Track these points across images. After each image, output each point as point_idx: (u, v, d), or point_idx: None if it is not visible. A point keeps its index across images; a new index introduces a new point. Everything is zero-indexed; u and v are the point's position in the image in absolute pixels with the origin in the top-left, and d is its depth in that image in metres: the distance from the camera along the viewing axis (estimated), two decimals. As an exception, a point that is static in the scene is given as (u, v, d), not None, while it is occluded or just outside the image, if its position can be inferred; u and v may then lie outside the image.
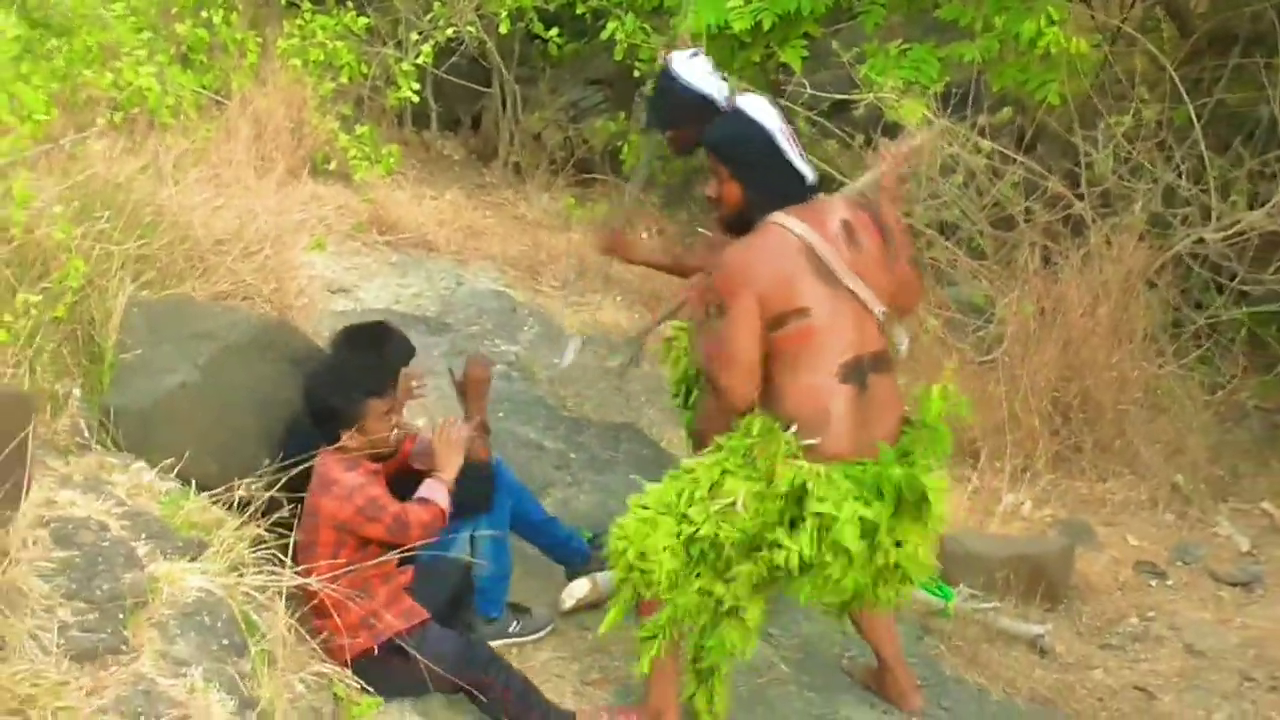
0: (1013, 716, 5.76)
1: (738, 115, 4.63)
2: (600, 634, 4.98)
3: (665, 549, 4.55)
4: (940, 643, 6.22)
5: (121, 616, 3.67)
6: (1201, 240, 8.14)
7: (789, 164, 4.54)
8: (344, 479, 4.75)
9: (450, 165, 11.67)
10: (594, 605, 5.79)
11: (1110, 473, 8.18)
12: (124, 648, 3.62)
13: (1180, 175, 8.26)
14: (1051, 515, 7.77)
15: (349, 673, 4.74)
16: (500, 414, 7.14)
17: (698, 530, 4.52)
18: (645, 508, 4.64)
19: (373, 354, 5.02)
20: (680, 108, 5.54)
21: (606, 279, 9.68)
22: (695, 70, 5.54)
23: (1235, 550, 7.79)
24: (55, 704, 3.33)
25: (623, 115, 11.62)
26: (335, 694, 4.70)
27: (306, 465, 4.83)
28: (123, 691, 3.49)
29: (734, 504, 4.49)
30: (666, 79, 5.61)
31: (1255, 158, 8.49)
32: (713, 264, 4.55)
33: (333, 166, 10.27)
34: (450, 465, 5.02)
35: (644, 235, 10.01)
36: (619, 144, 11.42)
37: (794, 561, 4.43)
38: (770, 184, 4.57)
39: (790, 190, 4.56)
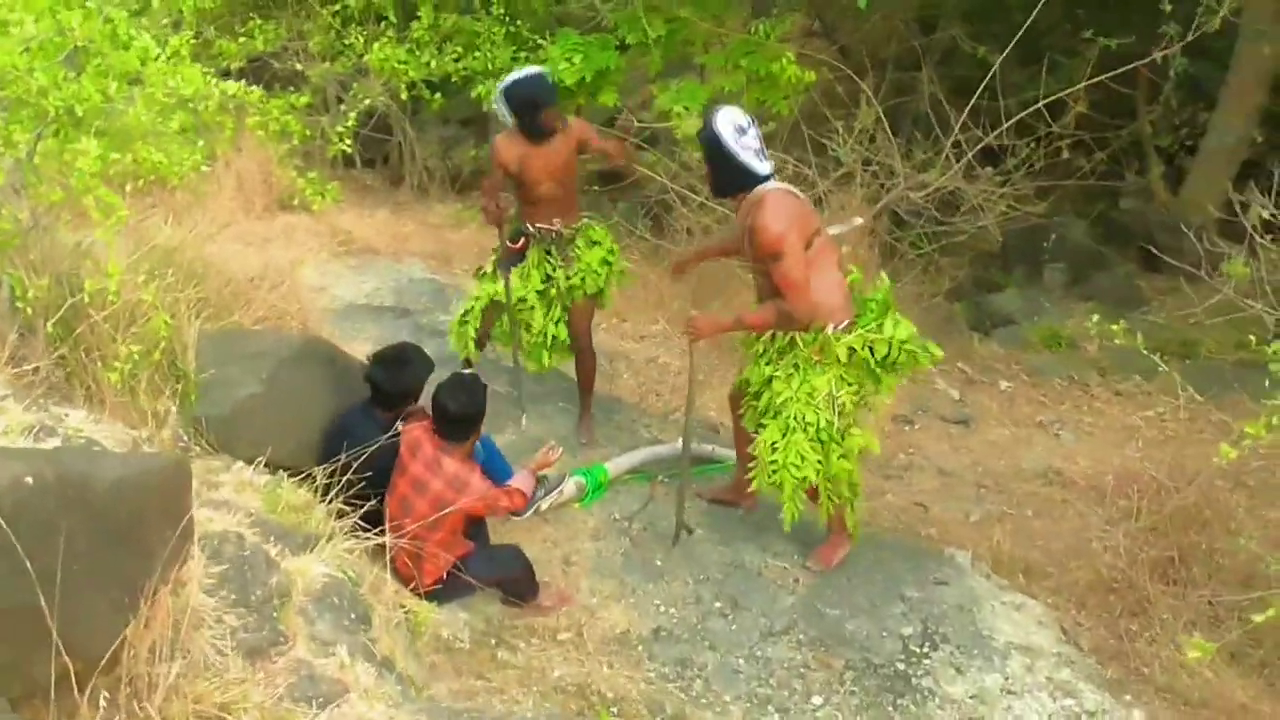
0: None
1: (707, 125, 4.40)
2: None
3: (806, 452, 4.44)
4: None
5: (275, 614, 2.91)
6: (906, 197, 7.65)
7: (733, 160, 4.33)
8: (473, 481, 4.27)
9: (373, 191, 10.71)
10: (562, 505, 5.21)
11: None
12: (281, 640, 2.88)
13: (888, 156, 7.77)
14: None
15: (416, 595, 4.17)
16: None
17: (819, 427, 4.43)
18: (774, 446, 4.50)
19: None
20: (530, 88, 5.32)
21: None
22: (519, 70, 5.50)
23: (950, 400, 7.40)
24: (244, 703, 2.59)
25: (485, 146, 10.83)
26: (403, 606, 4.05)
27: (369, 450, 4.13)
28: (291, 679, 2.76)
29: (829, 394, 4.42)
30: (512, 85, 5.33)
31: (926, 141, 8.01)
32: (755, 228, 4.29)
33: (296, 203, 9.31)
34: (541, 469, 4.79)
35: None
36: (485, 165, 10.66)
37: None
38: (721, 171, 4.42)
39: (737, 179, 4.38)
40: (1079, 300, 9.03)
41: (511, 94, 5.28)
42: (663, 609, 4.68)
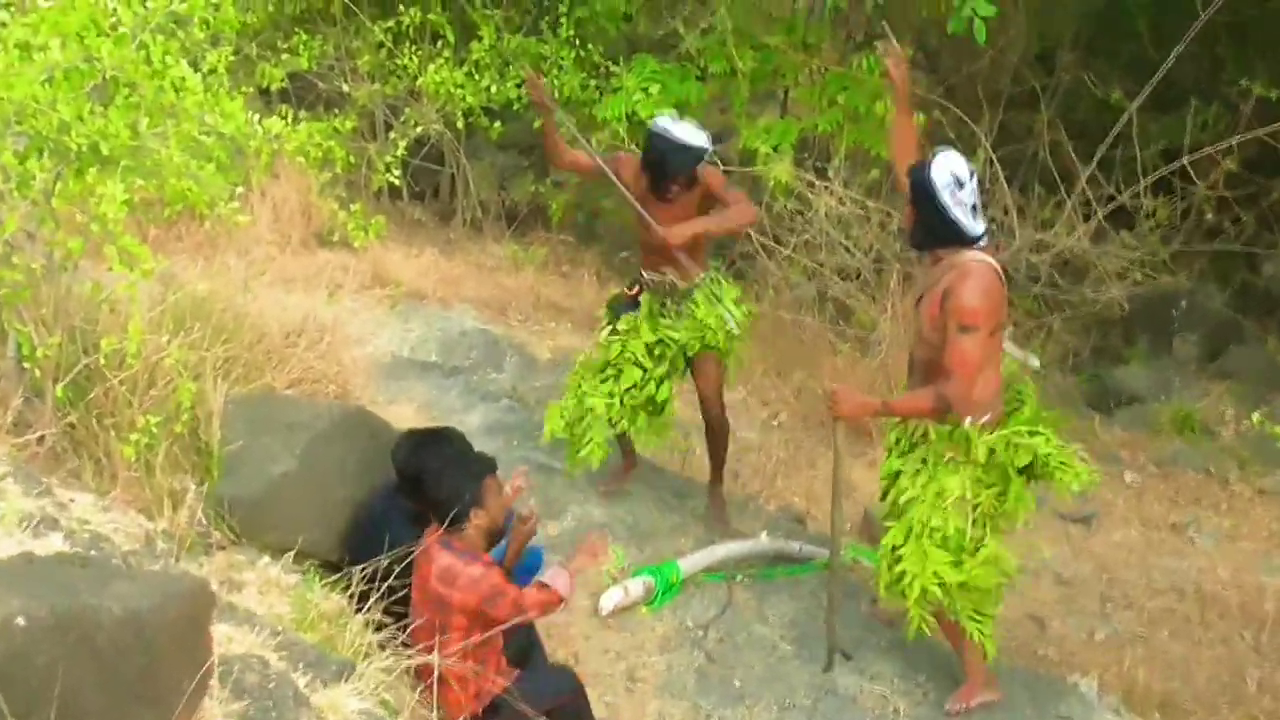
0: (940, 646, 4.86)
1: (921, 170, 4.08)
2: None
3: (939, 565, 4.16)
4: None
5: (303, 767, 2.68)
6: (1021, 256, 7.36)
7: (944, 215, 4.04)
8: (467, 571, 3.67)
9: (422, 227, 10.54)
10: (628, 609, 4.94)
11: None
12: (310, 799, 2.64)
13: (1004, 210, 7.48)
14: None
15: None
16: (514, 443, 6.16)
17: (947, 534, 4.15)
18: (896, 548, 4.26)
19: (462, 443, 3.99)
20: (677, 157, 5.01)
21: (558, 310, 8.78)
22: (683, 128, 5.06)
23: (1070, 493, 7.00)
24: None
25: (548, 180, 10.65)
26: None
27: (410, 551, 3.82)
28: None
29: (962, 498, 4.12)
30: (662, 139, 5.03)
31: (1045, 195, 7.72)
32: (954, 292, 4.02)
33: (335, 238, 9.18)
34: (581, 568, 4.03)
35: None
36: (546, 201, 10.46)
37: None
38: (927, 224, 4.13)
39: (945, 236, 4.10)
40: (1213, 378, 8.70)
41: (651, 143, 5.09)
42: (742, 741, 4.41)
